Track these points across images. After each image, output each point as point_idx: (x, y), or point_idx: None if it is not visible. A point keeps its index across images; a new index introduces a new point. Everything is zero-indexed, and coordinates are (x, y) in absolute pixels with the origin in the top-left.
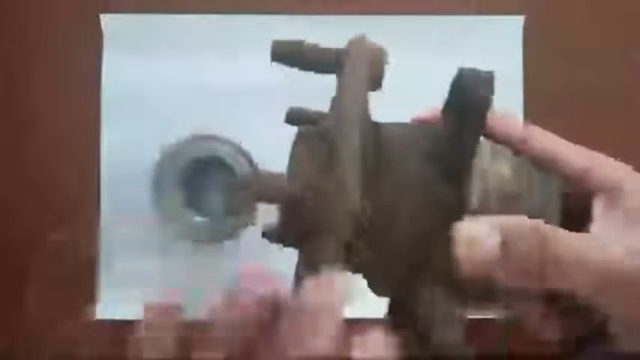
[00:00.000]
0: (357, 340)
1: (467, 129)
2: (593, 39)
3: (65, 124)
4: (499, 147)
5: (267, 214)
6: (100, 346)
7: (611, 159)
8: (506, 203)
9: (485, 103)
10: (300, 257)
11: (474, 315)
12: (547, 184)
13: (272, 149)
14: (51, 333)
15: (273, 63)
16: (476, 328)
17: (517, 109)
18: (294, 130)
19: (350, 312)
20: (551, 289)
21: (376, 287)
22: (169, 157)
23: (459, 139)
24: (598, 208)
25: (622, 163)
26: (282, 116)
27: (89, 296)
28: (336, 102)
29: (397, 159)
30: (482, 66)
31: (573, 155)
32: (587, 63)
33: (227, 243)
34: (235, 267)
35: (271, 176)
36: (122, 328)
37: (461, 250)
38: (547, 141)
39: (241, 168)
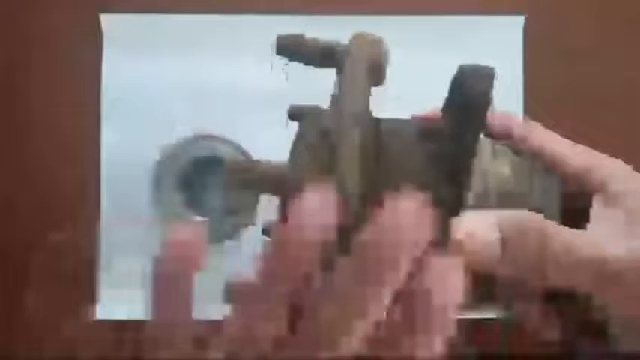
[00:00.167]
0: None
1: (468, 125)
2: (593, 39)
3: (65, 124)
4: (499, 146)
5: (268, 212)
6: (100, 346)
7: (611, 159)
8: (506, 202)
9: (486, 98)
10: None
11: (474, 315)
12: (547, 183)
13: (272, 149)
14: (51, 333)
15: (273, 63)
16: (476, 328)
17: (517, 109)
18: (294, 130)
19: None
20: (550, 286)
21: None
22: (169, 157)
23: (459, 137)
24: (598, 207)
25: (622, 163)
26: (282, 116)
27: (89, 296)
28: (336, 98)
29: (397, 157)
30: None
31: (573, 155)
32: (587, 63)
33: (227, 243)
34: (235, 267)
35: (272, 165)
36: (122, 328)
37: (460, 244)
38: (547, 140)
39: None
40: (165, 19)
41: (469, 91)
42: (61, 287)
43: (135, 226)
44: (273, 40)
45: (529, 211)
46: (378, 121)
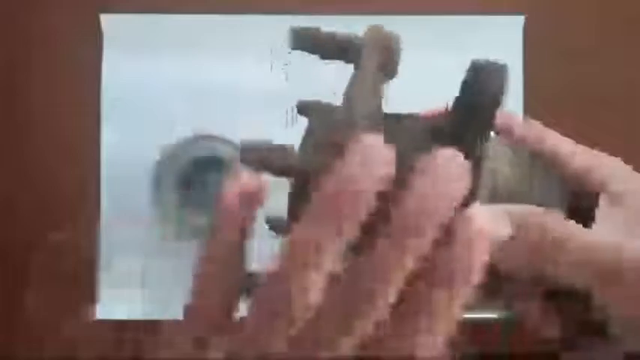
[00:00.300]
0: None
1: (479, 120)
2: (593, 39)
3: (65, 124)
4: (502, 146)
5: (268, 210)
6: (100, 346)
7: (611, 158)
8: (508, 201)
9: (499, 93)
10: None
11: (474, 315)
12: (548, 183)
13: None
14: (51, 333)
15: (273, 63)
16: (476, 328)
17: (517, 109)
18: (293, 129)
19: None
20: (550, 281)
21: None
22: (169, 157)
23: (470, 133)
24: (602, 207)
25: (622, 163)
26: (282, 116)
27: (89, 296)
28: (347, 94)
29: (405, 154)
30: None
31: (574, 154)
32: (587, 63)
33: None
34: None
35: (282, 147)
36: (122, 328)
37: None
38: (548, 139)
39: (241, 168)
40: (165, 19)
41: (482, 86)
42: (61, 287)
43: (135, 226)
44: (272, 40)
45: None
46: (389, 116)
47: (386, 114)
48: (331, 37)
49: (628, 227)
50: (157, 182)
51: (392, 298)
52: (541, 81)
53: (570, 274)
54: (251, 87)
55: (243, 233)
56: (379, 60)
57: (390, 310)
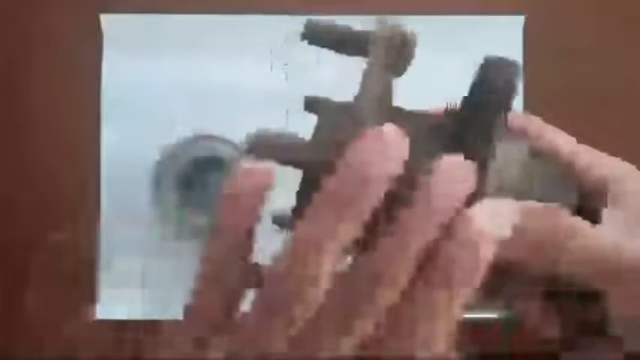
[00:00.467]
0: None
1: (487, 118)
2: (593, 39)
3: (65, 124)
4: (510, 146)
5: (269, 208)
6: (100, 346)
7: (613, 158)
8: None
9: (509, 91)
10: None
11: (474, 315)
12: (558, 184)
13: None
14: (51, 333)
15: (273, 63)
16: (476, 328)
17: (517, 109)
18: (293, 129)
19: None
20: (553, 277)
21: None
22: (169, 157)
23: (477, 132)
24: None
25: (623, 162)
26: (283, 116)
27: (89, 296)
28: (359, 89)
29: (414, 151)
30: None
31: (573, 152)
32: (587, 63)
33: None
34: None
35: (292, 136)
36: (122, 328)
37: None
38: (548, 137)
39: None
40: (165, 19)
41: (492, 83)
42: (61, 287)
43: (135, 226)
44: (272, 40)
45: None
46: (399, 110)
47: (395, 109)
48: (345, 31)
49: (628, 227)
50: (157, 182)
51: (393, 299)
52: (541, 81)
53: (570, 274)
54: (251, 87)
55: (248, 230)
56: (392, 55)
57: (391, 310)
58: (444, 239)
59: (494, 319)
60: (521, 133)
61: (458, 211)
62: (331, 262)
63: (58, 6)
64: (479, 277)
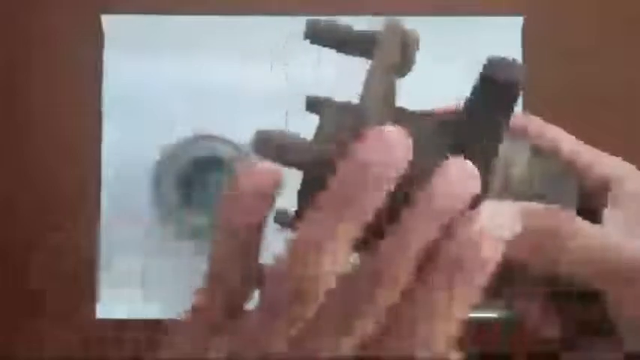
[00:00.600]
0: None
1: (491, 118)
2: (593, 39)
3: (65, 124)
4: (515, 146)
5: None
6: (100, 346)
7: (613, 157)
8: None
9: (513, 91)
10: None
11: (474, 315)
12: (563, 185)
13: None
14: (51, 333)
15: (273, 63)
16: (476, 328)
17: (517, 109)
18: (293, 129)
19: None
20: (552, 274)
21: None
22: (169, 156)
23: (481, 132)
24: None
25: (623, 162)
26: (282, 116)
27: (89, 296)
28: (363, 89)
29: (417, 151)
30: (482, 67)
31: (574, 151)
32: (587, 63)
33: None
34: None
35: (296, 137)
36: (122, 327)
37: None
38: (549, 136)
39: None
40: (166, 20)
41: (495, 84)
42: (61, 287)
43: (135, 226)
44: (272, 41)
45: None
46: (402, 110)
47: (399, 109)
48: (348, 31)
49: (628, 227)
50: (157, 182)
51: (393, 299)
52: (541, 81)
53: (570, 274)
54: (251, 87)
55: (252, 229)
56: (395, 56)
57: (391, 310)
58: (444, 239)
59: (494, 319)
60: (522, 133)
61: (461, 212)
62: (331, 262)
63: (58, 6)
64: (484, 277)
